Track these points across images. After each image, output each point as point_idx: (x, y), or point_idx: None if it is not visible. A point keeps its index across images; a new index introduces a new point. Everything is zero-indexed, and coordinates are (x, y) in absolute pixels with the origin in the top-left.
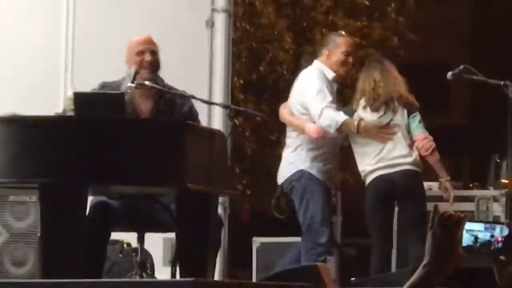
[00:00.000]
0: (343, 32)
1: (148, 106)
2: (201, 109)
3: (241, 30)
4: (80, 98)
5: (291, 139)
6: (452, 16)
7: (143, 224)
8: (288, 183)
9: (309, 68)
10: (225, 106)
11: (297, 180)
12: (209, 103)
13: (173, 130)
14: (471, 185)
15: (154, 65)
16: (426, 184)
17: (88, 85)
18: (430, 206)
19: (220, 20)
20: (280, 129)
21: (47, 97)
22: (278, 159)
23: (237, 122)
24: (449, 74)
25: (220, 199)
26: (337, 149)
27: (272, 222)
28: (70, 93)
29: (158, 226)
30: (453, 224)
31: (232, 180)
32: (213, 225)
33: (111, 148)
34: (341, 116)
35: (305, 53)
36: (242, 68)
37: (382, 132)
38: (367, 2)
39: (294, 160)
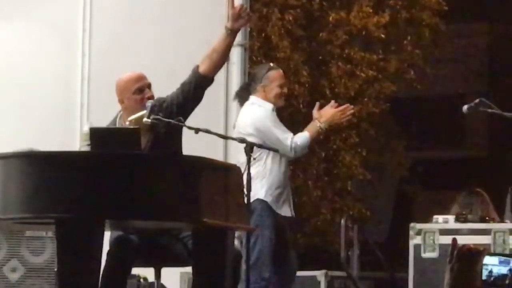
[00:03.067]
0: (271, 64)
1: (146, 138)
2: (217, 143)
3: (257, 64)
4: (96, 133)
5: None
6: (467, 49)
7: (160, 259)
8: None
9: (249, 104)
10: (241, 141)
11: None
12: (225, 137)
13: (190, 165)
14: (487, 218)
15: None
16: (441, 218)
17: (104, 120)
18: (448, 239)
19: (236, 54)
20: (296, 162)
21: (64, 132)
22: (294, 192)
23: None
24: (465, 107)
25: (237, 233)
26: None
27: None
28: (86, 129)
29: (175, 260)
30: (472, 257)
31: (248, 215)
32: (229, 260)
33: (127, 183)
34: (304, 133)
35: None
36: None
37: (342, 113)
38: (383, 35)
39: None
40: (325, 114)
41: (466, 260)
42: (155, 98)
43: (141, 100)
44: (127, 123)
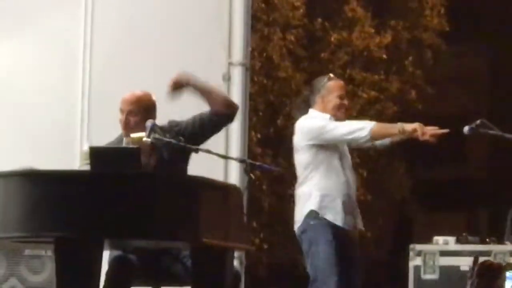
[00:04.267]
0: (331, 75)
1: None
2: (217, 163)
3: (258, 84)
4: (96, 153)
5: (299, 188)
6: (469, 69)
7: (159, 278)
8: (299, 232)
9: (304, 118)
10: (241, 161)
11: (303, 231)
12: (225, 157)
13: (189, 185)
14: (487, 239)
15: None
16: (441, 239)
17: (105, 137)
18: (448, 261)
19: (237, 74)
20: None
21: (63, 150)
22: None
23: (252, 176)
24: (466, 129)
25: (236, 253)
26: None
27: (289, 275)
28: (86, 148)
29: (174, 280)
30: (493, 273)
31: (248, 235)
32: (228, 280)
33: (126, 202)
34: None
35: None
36: (259, 121)
37: (427, 132)
38: (384, 56)
39: (302, 206)
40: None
41: (487, 276)
42: (170, 120)
43: (122, 122)
44: (126, 140)
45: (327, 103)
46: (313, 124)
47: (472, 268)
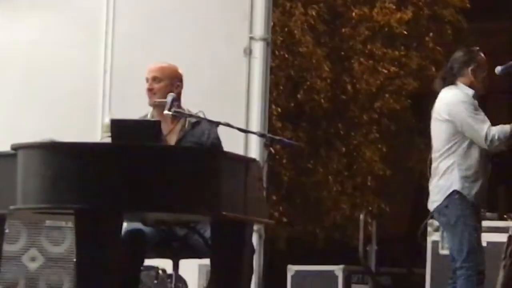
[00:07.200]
0: (477, 48)
1: (173, 131)
2: (237, 137)
3: (279, 58)
4: (117, 125)
5: (441, 163)
6: (490, 46)
7: (177, 251)
8: (438, 211)
9: (449, 89)
10: (261, 135)
11: (446, 207)
12: (245, 131)
13: (209, 158)
14: (505, 216)
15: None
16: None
17: (126, 112)
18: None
19: (258, 48)
20: (317, 156)
21: (85, 123)
22: (314, 186)
23: (272, 150)
24: (498, 68)
25: (255, 226)
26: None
27: (308, 250)
28: (107, 120)
29: (193, 252)
30: None
31: (267, 209)
32: (248, 253)
33: (146, 174)
34: (505, 126)
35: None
36: (279, 96)
37: None
38: (405, 32)
39: (443, 183)
40: None
41: None
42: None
43: (147, 88)
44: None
45: (478, 75)
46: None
47: (506, 249)
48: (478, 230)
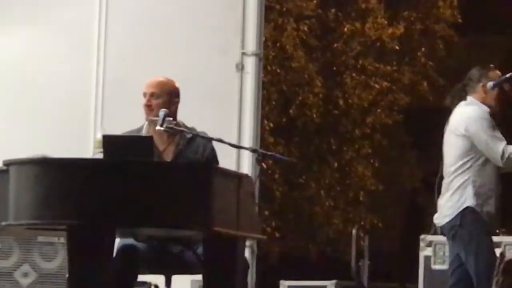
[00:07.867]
0: (491, 65)
1: (169, 147)
2: (229, 152)
3: (272, 74)
4: (109, 141)
5: (455, 178)
6: (481, 60)
7: (170, 266)
8: (449, 227)
9: (465, 105)
10: (253, 150)
11: (460, 225)
12: (237, 147)
13: (202, 174)
14: (497, 231)
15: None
16: None
17: (118, 128)
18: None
19: (251, 64)
20: (309, 172)
21: (77, 139)
22: (306, 201)
23: (264, 166)
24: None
25: (248, 242)
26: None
27: (300, 265)
28: (99, 136)
29: (185, 268)
30: None
31: (260, 224)
32: (240, 269)
33: (139, 190)
34: None
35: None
36: (271, 111)
37: None
38: (397, 47)
39: (456, 199)
40: None
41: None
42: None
43: (144, 104)
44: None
45: (489, 92)
46: (477, 130)
47: (498, 265)
48: (492, 247)
